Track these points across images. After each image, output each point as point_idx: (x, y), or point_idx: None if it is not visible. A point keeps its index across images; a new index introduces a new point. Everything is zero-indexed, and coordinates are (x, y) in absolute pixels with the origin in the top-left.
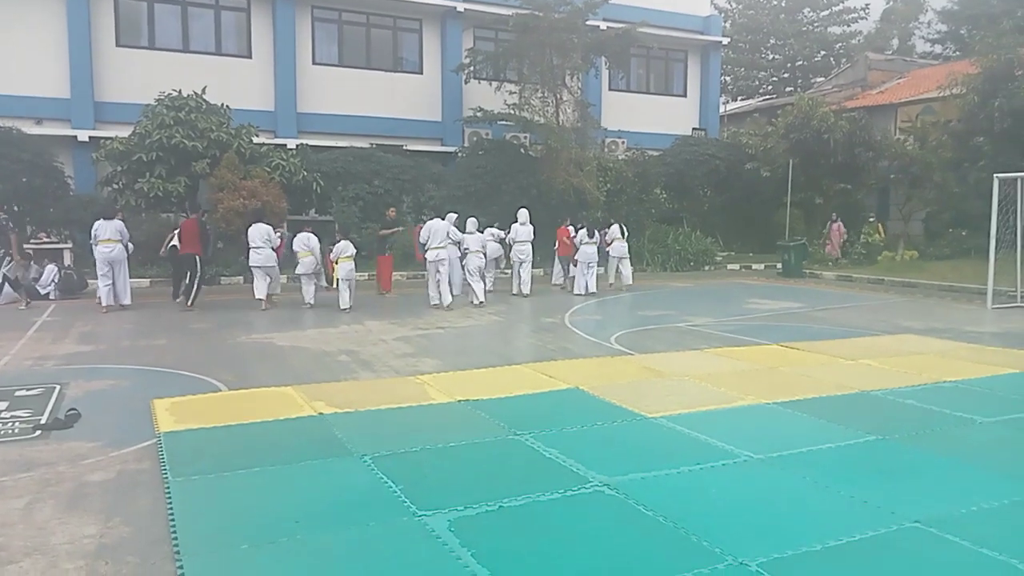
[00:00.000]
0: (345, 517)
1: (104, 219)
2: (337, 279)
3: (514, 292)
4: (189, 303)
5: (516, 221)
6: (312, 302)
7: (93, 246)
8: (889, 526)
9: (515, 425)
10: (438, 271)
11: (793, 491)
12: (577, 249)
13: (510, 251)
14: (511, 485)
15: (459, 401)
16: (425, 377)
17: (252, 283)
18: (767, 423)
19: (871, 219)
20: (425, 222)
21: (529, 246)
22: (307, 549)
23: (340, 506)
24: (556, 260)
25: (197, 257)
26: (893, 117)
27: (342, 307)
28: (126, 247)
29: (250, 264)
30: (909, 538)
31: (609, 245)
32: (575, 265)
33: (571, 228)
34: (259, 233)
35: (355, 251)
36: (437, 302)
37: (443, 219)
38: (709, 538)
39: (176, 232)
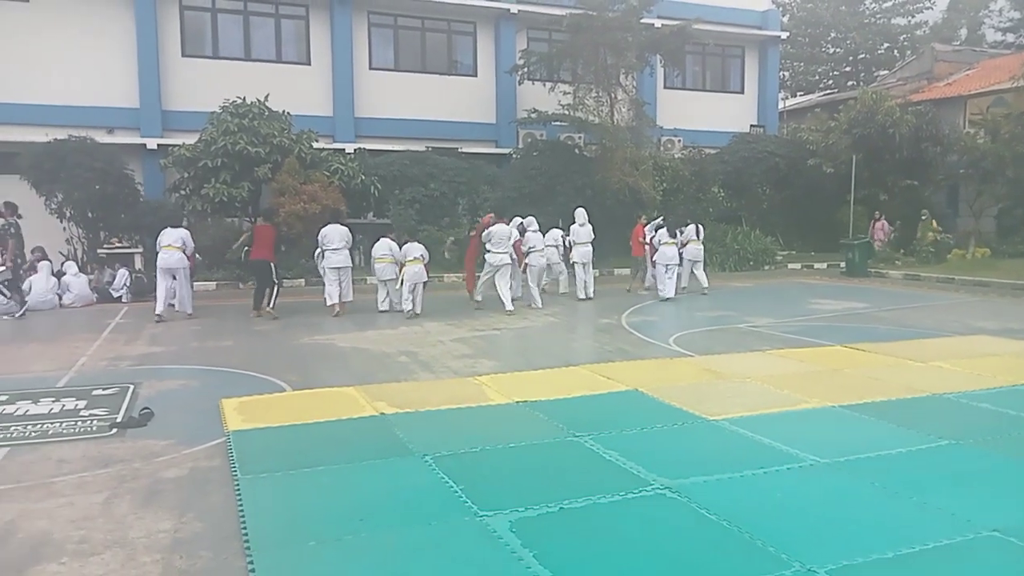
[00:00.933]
0: (408, 516)
1: (171, 227)
2: (402, 281)
3: (580, 296)
4: (271, 306)
5: (574, 222)
6: (386, 308)
7: (157, 252)
8: (965, 534)
9: (574, 426)
10: (498, 271)
11: (862, 497)
12: (656, 250)
13: (570, 253)
14: (571, 487)
15: (517, 402)
16: (483, 378)
17: (324, 287)
18: (833, 426)
19: (923, 216)
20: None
21: (590, 247)
22: (372, 547)
23: (403, 505)
24: (642, 263)
25: (272, 264)
26: (962, 110)
27: (405, 311)
28: (189, 257)
29: (327, 266)
30: (987, 547)
31: (683, 247)
32: (653, 267)
33: (648, 226)
34: (338, 234)
35: (421, 253)
36: (480, 307)
37: (507, 223)
38: (776, 543)
39: (246, 236)
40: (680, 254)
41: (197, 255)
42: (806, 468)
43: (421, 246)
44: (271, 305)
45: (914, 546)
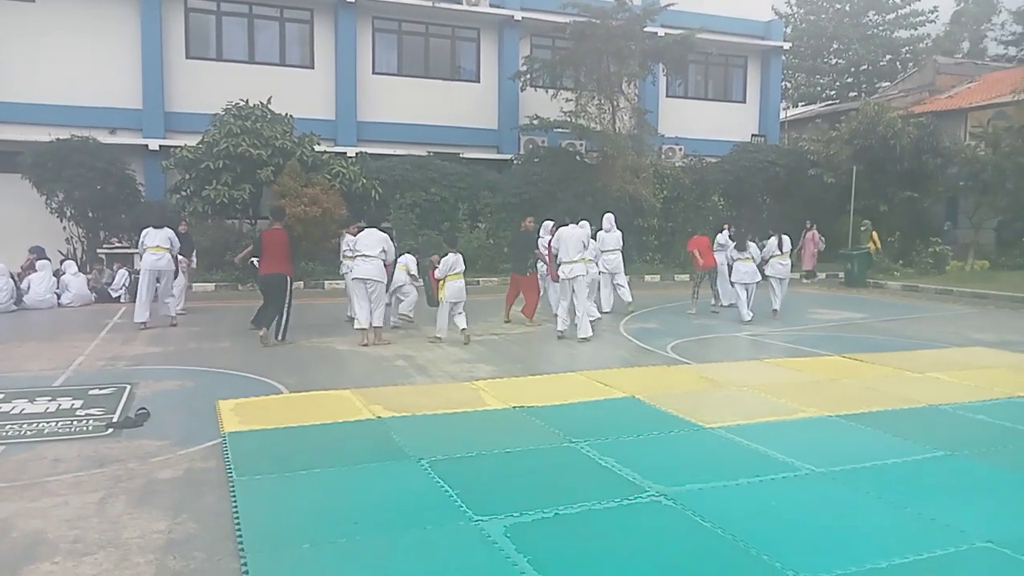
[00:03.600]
0: (403, 520)
1: (153, 227)
2: (441, 300)
3: (605, 309)
4: (280, 337)
5: (600, 228)
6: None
7: (140, 255)
8: (959, 545)
9: (570, 433)
10: (573, 291)
11: (857, 506)
12: (730, 267)
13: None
14: (567, 493)
15: (514, 408)
16: (480, 383)
17: (352, 302)
18: (829, 436)
19: (863, 227)
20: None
21: (619, 255)
22: (366, 550)
23: (398, 509)
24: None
25: (288, 279)
26: (963, 122)
27: (438, 334)
28: (175, 258)
29: (354, 276)
30: (980, 558)
31: (765, 263)
32: (729, 284)
33: (724, 235)
34: (376, 240)
35: (463, 267)
36: (563, 328)
37: (577, 224)
38: (770, 552)
39: (253, 245)
40: (761, 271)
41: (193, 257)
42: (801, 477)
43: (461, 258)
44: (281, 336)
45: (908, 556)
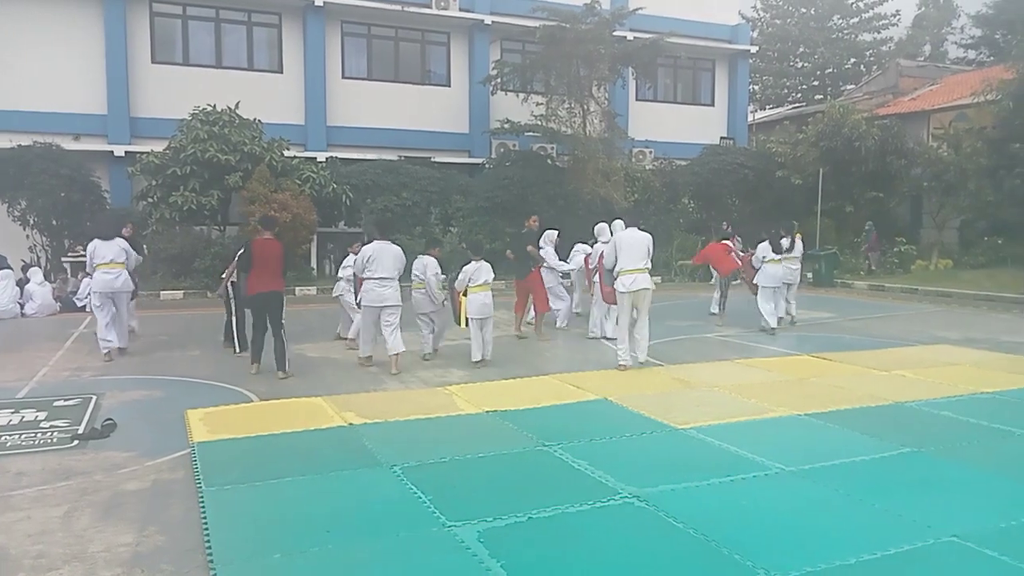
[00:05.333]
0: (375, 527)
1: (101, 239)
2: (467, 318)
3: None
4: (286, 369)
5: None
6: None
7: (90, 274)
8: (925, 540)
9: (543, 436)
10: (636, 309)
11: (826, 504)
12: (757, 269)
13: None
14: (540, 496)
15: (487, 412)
16: (453, 388)
17: (354, 329)
18: (798, 435)
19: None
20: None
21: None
22: (338, 559)
23: (370, 516)
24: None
25: (283, 296)
26: (926, 124)
27: (474, 359)
28: (132, 273)
29: (373, 303)
30: (946, 553)
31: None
32: (754, 290)
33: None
34: (392, 258)
35: (492, 276)
36: (627, 361)
37: (640, 229)
38: (741, 551)
39: (237, 259)
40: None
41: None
42: (772, 476)
43: (488, 267)
44: (288, 366)
45: (875, 552)
